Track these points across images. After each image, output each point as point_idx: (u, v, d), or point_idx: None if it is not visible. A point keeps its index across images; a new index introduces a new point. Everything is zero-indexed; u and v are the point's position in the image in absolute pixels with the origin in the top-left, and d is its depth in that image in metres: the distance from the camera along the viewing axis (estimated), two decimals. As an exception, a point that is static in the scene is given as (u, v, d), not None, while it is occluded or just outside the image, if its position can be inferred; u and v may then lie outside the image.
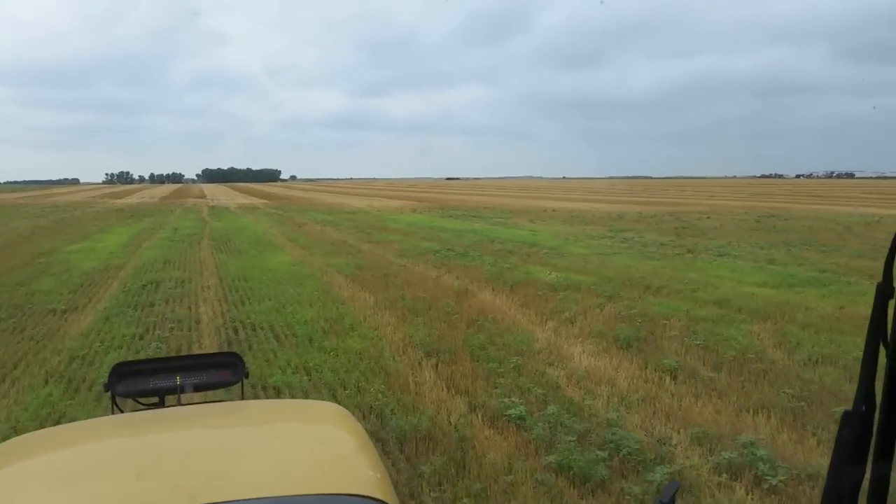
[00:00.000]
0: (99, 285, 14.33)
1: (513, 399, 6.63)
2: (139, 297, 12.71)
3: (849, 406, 1.04)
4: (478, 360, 8.04)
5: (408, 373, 7.62)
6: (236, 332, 9.85)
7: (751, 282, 13.88)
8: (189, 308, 11.65)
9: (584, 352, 8.49)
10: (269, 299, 12.33)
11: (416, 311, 10.80)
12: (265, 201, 66.16)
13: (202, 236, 26.31)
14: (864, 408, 1.01)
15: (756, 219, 33.16)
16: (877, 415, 1.01)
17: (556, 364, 7.96)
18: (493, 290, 12.79)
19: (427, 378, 7.42)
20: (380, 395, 6.76)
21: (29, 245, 22.82)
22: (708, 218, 34.24)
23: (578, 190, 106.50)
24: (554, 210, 43.31)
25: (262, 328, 10.02)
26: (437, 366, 7.88)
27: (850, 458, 1.02)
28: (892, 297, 0.98)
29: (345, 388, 7.10)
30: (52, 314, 11.17)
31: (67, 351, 8.78)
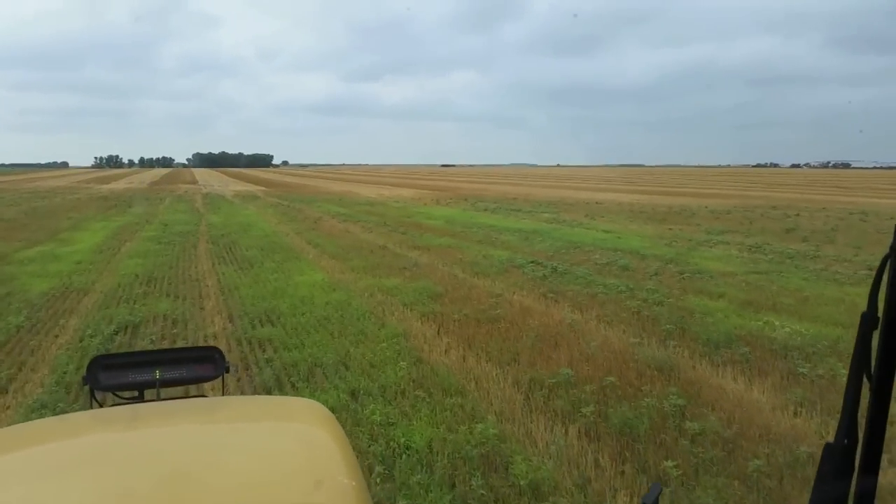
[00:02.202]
0: (41, 333, 9.15)
1: None
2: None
3: (831, 439, 1.00)
4: None
5: None
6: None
7: None
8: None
9: None
10: (319, 367, 7.28)
11: (631, 433, 5.60)
12: (263, 188, 60.77)
13: (198, 236, 21.05)
14: (846, 441, 0.98)
15: (860, 216, 28.22)
16: (859, 449, 0.97)
17: None
18: (711, 361, 7.62)
19: None
20: None
21: (-27, 249, 17.52)
22: (809, 216, 29.20)
23: (590, 178, 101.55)
24: (598, 202, 38.17)
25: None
26: None
27: (832, 492, 0.99)
28: (876, 327, 0.93)
29: None
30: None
31: None
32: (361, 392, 6.53)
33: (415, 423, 5.71)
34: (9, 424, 4.26)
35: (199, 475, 1.54)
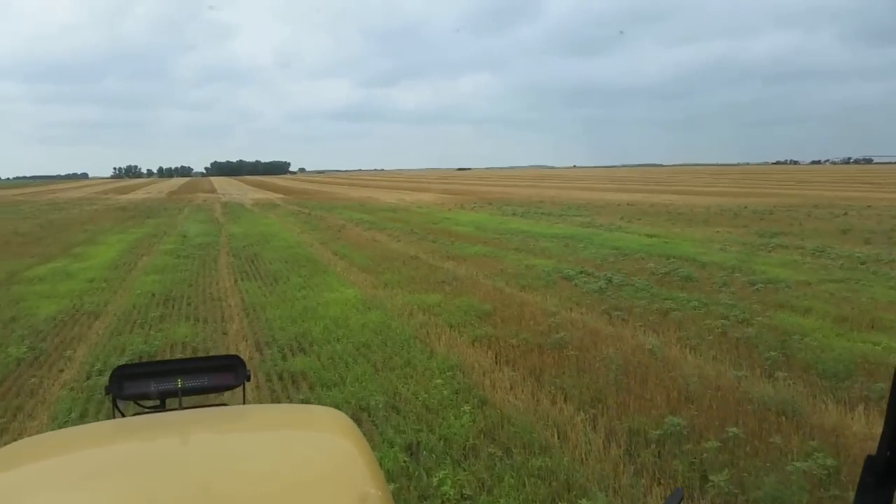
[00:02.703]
0: (44, 367, 8.05)
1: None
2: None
3: (873, 451, 0.99)
4: None
5: None
6: None
7: None
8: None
9: None
10: (365, 412, 6.10)
11: None
12: (281, 196, 59.96)
13: (218, 248, 20.02)
14: (889, 452, 0.96)
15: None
16: None
17: None
18: (836, 399, 6.26)
19: None
20: None
21: (-17, 266, 16.58)
22: (858, 214, 27.59)
23: (611, 179, 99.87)
24: (629, 204, 36.72)
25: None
26: None
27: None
28: None
29: None
30: None
31: None
32: (421, 448, 5.31)
33: (500, 499, 4.47)
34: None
35: (223, 484, 1.52)
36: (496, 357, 7.83)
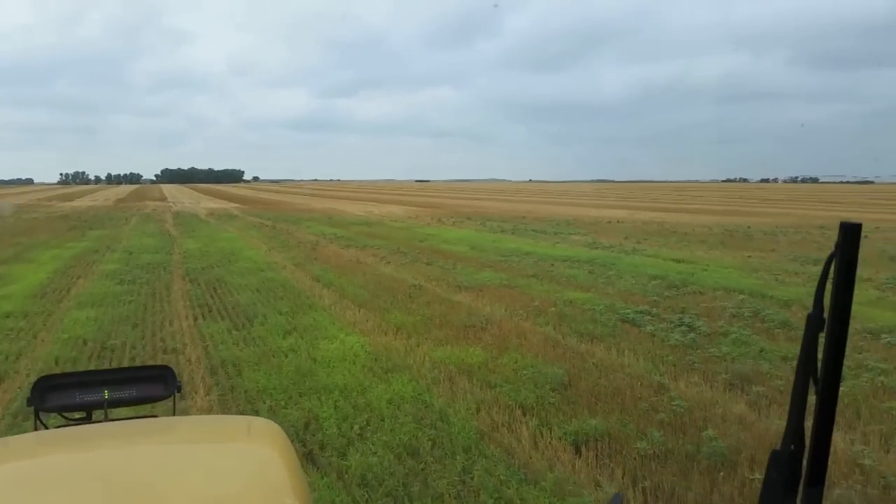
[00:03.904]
0: None
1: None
2: None
3: (777, 445, 0.97)
4: None
5: None
6: None
7: None
8: None
9: None
10: None
11: None
12: (238, 205, 56.12)
13: (170, 269, 16.64)
14: (792, 447, 0.95)
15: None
16: (805, 454, 0.94)
17: None
18: None
19: None
20: None
21: None
22: (883, 238, 25.55)
23: (577, 194, 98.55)
24: (619, 221, 34.33)
25: None
26: None
27: (780, 500, 0.96)
28: (822, 329, 0.91)
29: None
30: None
31: None
32: None
33: None
34: None
35: (149, 497, 1.48)
36: (634, 482, 4.92)
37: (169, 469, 1.67)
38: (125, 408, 2.55)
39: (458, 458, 5.30)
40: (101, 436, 1.96)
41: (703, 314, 10.63)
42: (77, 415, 2.49)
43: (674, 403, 6.41)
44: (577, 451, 5.48)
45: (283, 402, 6.66)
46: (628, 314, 10.55)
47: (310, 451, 5.51)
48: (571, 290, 13.00)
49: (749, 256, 18.72)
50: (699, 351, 8.48)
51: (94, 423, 2.33)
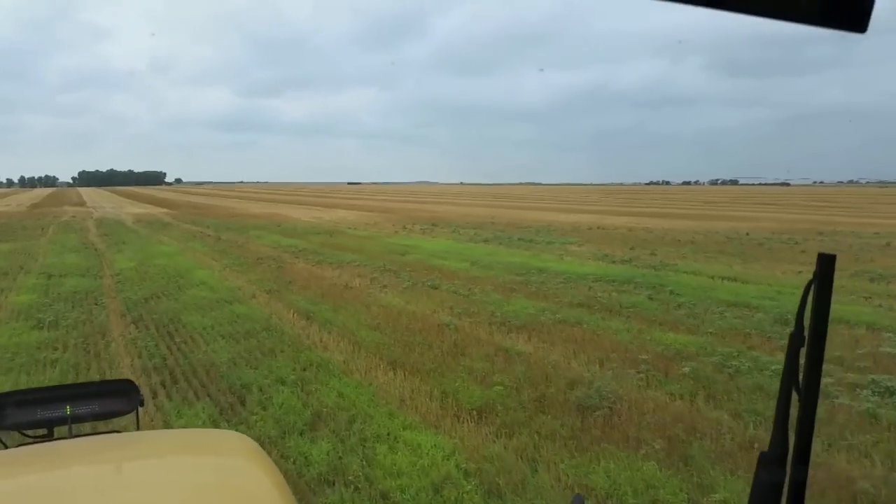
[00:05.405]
0: None
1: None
2: None
3: (765, 448, 1.02)
4: None
5: None
6: None
7: None
8: None
9: None
10: None
11: None
12: (166, 210, 50.87)
13: (103, 301, 12.64)
14: (779, 450, 1.01)
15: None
16: (789, 457, 1.00)
17: None
18: None
19: None
20: None
21: None
22: (881, 247, 23.71)
23: (526, 197, 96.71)
24: (599, 227, 31.69)
25: None
26: None
27: (767, 498, 1.01)
28: (803, 345, 0.97)
29: None
30: None
31: None
32: None
33: None
34: None
35: None
36: None
37: (144, 486, 1.58)
38: (87, 423, 2.44)
39: None
40: (67, 453, 1.87)
41: (879, 367, 7.70)
42: (38, 432, 2.36)
43: None
44: None
45: None
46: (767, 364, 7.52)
47: None
48: (659, 330, 9.89)
49: (800, 272, 16.14)
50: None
51: (56, 440, 2.25)
